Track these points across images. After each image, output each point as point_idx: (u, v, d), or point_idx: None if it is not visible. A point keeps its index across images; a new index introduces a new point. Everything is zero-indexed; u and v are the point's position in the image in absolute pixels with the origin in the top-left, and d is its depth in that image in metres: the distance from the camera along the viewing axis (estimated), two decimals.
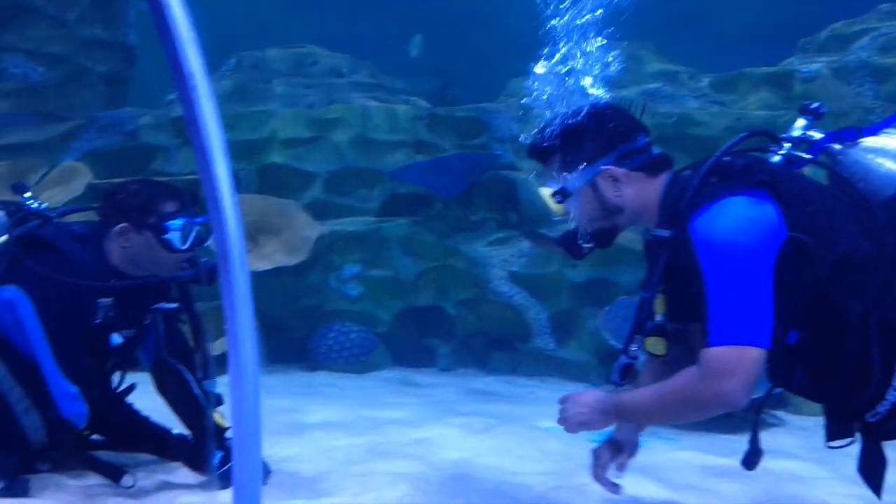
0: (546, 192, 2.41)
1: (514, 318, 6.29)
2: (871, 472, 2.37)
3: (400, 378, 5.95)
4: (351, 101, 7.55)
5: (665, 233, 2.30)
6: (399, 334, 6.44)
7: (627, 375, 2.46)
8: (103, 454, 3.10)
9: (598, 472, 2.52)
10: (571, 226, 2.46)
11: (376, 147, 7.06)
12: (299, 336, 6.35)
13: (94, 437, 3.14)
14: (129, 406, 3.15)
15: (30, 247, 2.91)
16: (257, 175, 6.95)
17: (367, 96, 7.86)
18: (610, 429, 2.56)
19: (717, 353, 2.12)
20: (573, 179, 2.36)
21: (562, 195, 2.38)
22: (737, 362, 2.09)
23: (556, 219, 2.52)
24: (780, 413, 4.74)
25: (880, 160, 2.32)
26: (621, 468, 2.54)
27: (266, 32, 10.08)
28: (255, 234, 6.18)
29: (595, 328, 5.80)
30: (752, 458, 2.49)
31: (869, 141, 2.37)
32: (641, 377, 2.56)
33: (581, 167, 2.35)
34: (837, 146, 2.39)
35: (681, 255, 2.22)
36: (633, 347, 2.41)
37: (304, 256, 6.22)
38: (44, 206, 3.14)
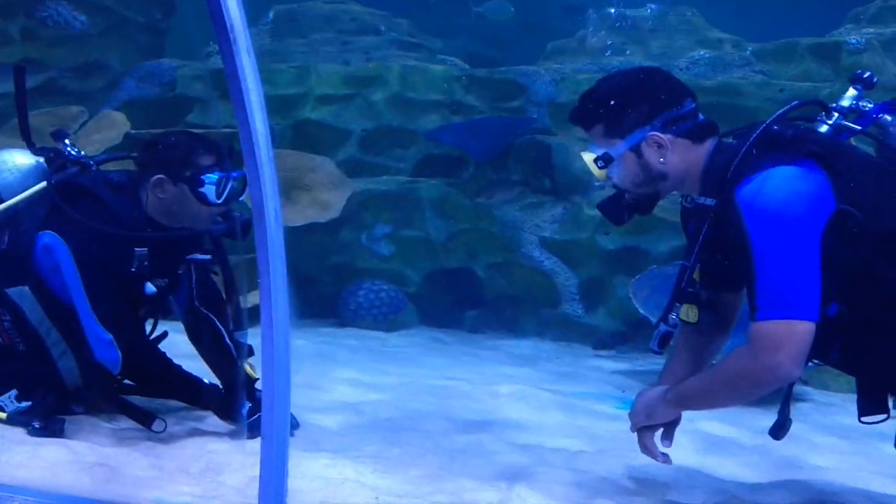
0: (588, 157, 2.38)
1: (543, 282, 6.28)
2: None
3: (428, 338, 6.00)
4: (388, 60, 7.50)
5: (709, 201, 2.27)
6: (428, 295, 6.47)
7: (666, 344, 2.46)
8: (136, 399, 3.17)
9: (649, 443, 2.49)
10: (613, 192, 2.45)
11: (412, 107, 7.02)
12: (330, 292, 6.40)
13: (127, 381, 3.21)
14: (162, 353, 3.21)
15: (69, 194, 2.95)
16: (292, 131, 6.96)
17: (405, 55, 7.81)
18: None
19: (765, 328, 2.11)
20: (617, 145, 2.34)
21: (605, 161, 2.36)
22: (785, 336, 2.08)
23: (598, 184, 2.51)
24: (807, 388, 4.71)
25: None
26: (669, 439, 2.52)
27: None
28: (288, 189, 6.21)
29: (624, 296, 5.77)
30: (780, 428, 2.49)
31: None
32: (675, 347, 2.55)
33: (625, 133, 2.33)
34: (888, 117, 2.34)
35: (724, 224, 2.20)
36: (673, 316, 2.41)
37: (336, 214, 6.24)
38: (82, 153, 3.18)
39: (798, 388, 4.57)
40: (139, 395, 3.23)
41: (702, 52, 7.40)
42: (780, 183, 2.12)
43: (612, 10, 7.78)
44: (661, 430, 2.53)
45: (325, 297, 6.36)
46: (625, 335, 5.73)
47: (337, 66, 7.33)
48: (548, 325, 6.26)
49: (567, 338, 6.13)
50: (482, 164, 6.74)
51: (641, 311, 5.22)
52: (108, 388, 3.09)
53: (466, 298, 6.45)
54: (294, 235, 6.04)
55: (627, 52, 7.43)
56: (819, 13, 8.11)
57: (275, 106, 6.79)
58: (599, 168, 2.36)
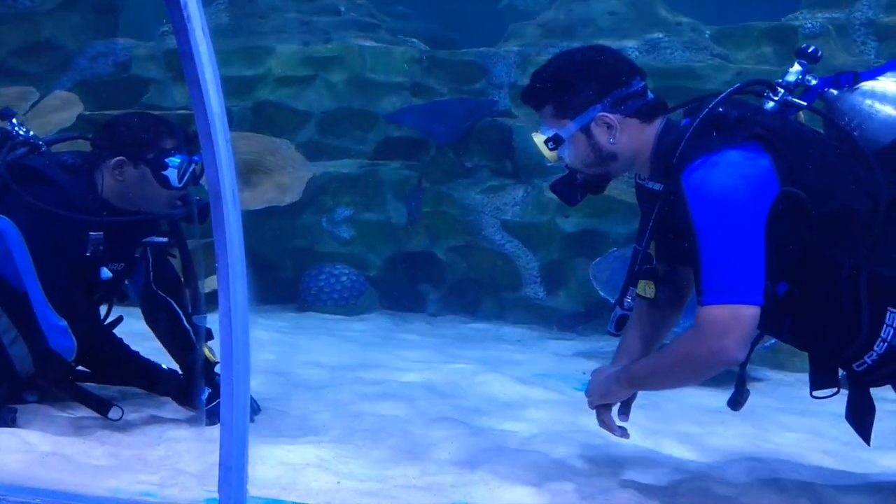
0: (539, 138, 2.38)
1: (504, 266, 6.30)
2: (859, 418, 2.41)
3: (389, 321, 5.98)
4: (348, 40, 7.43)
5: (657, 186, 2.29)
6: (389, 278, 6.45)
7: (622, 326, 2.49)
8: (91, 386, 3.11)
9: (606, 418, 2.52)
10: (565, 172, 2.45)
11: (373, 88, 6.96)
12: (290, 276, 6.35)
13: (82, 368, 3.15)
14: (118, 339, 3.15)
15: (19, 176, 2.87)
16: (251, 112, 6.86)
17: (365, 36, 7.73)
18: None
19: (711, 312, 2.13)
20: (567, 126, 2.34)
21: (555, 142, 2.35)
22: (731, 321, 2.11)
23: (550, 165, 2.50)
24: (763, 368, 4.80)
25: (879, 106, 2.28)
26: (626, 414, 2.55)
27: None
28: (247, 173, 6.12)
29: (584, 279, 5.81)
30: (736, 403, 2.53)
31: (867, 85, 2.33)
32: (629, 323, 2.57)
33: (575, 113, 2.32)
34: (834, 91, 2.36)
35: (673, 207, 2.22)
36: (628, 299, 2.43)
37: (296, 197, 6.18)
38: (31, 133, 3.10)
39: (753, 369, 4.66)
40: (95, 382, 3.17)
41: (660, 36, 7.44)
42: (723, 168, 2.13)
43: None
44: (618, 405, 2.56)
45: (286, 282, 6.31)
46: (585, 317, 5.78)
47: (296, 47, 7.23)
48: (509, 307, 6.29)
49: (528, 320, 6.16)
50: (443, 146, 6.72)
51: (601, 294, 5.26)
52: (62, 376, 3.03)
53: (427, 282, 6.44)
54: (253, 219, 5.97)
55: (587, 35, 7.43)
56: None
57: (233, 87, 6.69)
58: (550, 149, 2.36)
